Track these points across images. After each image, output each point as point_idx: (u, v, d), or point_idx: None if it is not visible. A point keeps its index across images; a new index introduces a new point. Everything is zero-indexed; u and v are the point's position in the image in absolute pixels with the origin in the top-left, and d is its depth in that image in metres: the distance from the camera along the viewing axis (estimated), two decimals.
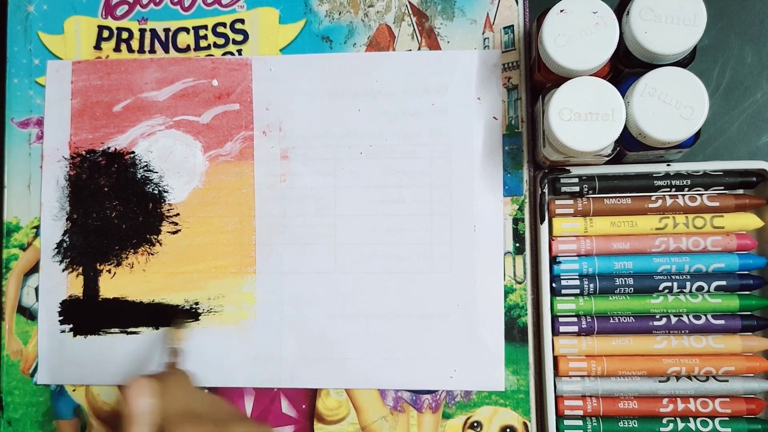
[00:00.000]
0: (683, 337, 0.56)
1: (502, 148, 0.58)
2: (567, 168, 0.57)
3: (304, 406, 0.59)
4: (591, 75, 0.51)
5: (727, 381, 0.56)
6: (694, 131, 0.49)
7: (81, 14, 0.62)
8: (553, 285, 0.57)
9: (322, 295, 0.59)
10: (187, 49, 0.61)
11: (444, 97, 0.59)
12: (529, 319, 0.58)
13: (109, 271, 0.60)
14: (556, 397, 0.56)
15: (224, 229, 0.60)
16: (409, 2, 0.60)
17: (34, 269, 0.61)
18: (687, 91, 0.49)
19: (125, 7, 0.62)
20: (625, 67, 0.52)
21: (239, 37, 0.61)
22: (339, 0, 0.60)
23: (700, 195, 0.57)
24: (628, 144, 0.52)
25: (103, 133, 0.61)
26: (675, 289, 0.56)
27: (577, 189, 0.57)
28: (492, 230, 0.58)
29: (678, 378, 0.56)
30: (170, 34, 0.61)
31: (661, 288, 0.56)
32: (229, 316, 0.59)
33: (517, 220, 0.58)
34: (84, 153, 0.61)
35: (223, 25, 0.61)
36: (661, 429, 0.55)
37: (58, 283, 0.61)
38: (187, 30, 0.61)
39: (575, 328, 0.57)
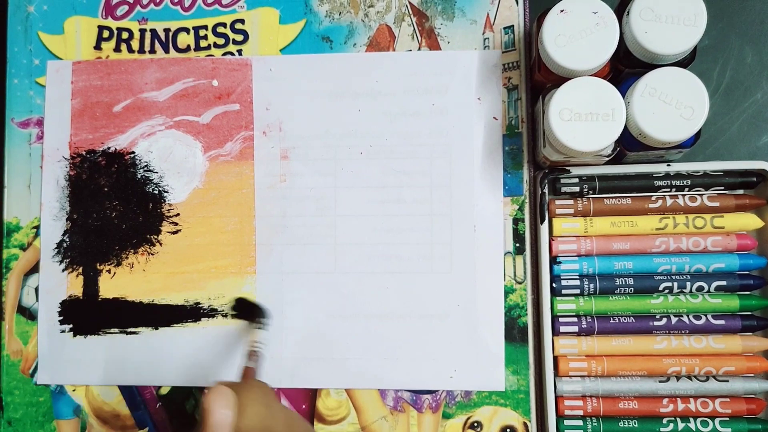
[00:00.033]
0: (683, 337, 0.56)
1: (503, 149, 0.58)
2: (567, 168, 0.57)
3: (304, 406, 0.59)
4: (591, 75, 0.51)
5: (727, 381, 0.56)
6: (695, 131, 0.49)
7: (81, 14, 0.62)
8: (554, 285, 0.57)
9: (322, 295, 0.59)
10: (188, 49, 0.61)
11: (444, 98, 0.59)
12: (529, 319, 0.58)
13: (109, 271, 0.60)
14: (557, 397, 0.56)
15: (224, 229, 0.60)
16: (410, 2, 0.60)
17: (34, 269, 0.61)
18: (687, 91, 0.49)
19: (125, 8, 0.62)
20: (626, 68, 0.52)
21: (239, 38, 0.61)
22: (339, 0, 0.60)
23: (701, 195, 0.57)
24: (629, 144, 0.52)
25: (103, 133, 0.61)
26: (675, 289, 0.56)
27: (577, 189, 0.57)
28: (492, 230, 0.58)
29: (678, 378, 0.56)
30: (170, 34, 0.61)
31: (661, 288, 0.56)
32: (230, 316, 0.59)
33: (517, 221, 0.58)
34: (84, 153, 0.61)
35: (224, 25, 0.61)
36: (662, 429, 0.55)
37: (58, 283, 0.61)
38: (187, 30, 0.61)
39: (575, 328, 0.57)
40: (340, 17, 0.60)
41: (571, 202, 0.57)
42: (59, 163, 0.61)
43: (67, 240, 0.61)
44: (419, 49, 0.59)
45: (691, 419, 0.56)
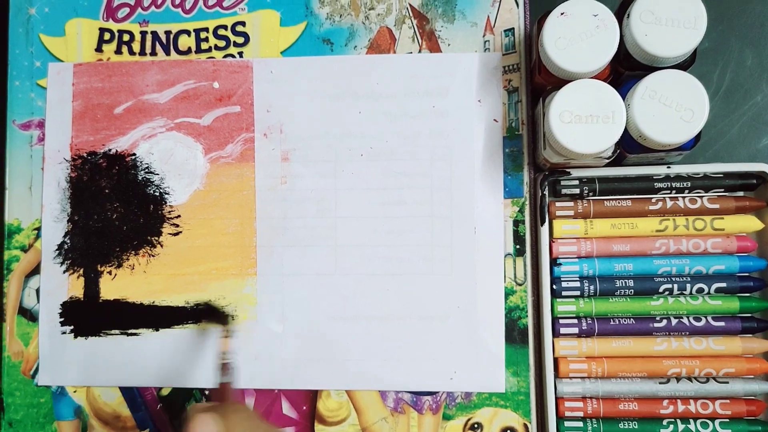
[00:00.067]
0: (683, 338, 0.56)
1: (503, 151, 0.58)
2: (567, 170, 0.57)
3: (304, 408, 0.59)
4: (591, 78, 0.51)
5: (727, 383, 0.56)
6: (695, 134, 0.49)
7: (82, 17, 0.62)
8: (554, 287, 0.57)
9: (323, 296, 0.59)
10: (188, 51, 0.61)
11: (444, 100, 0.59)
12: (529, 321, 0.58)
13: (109, 272, 0.61)
14: (557, 399, 0.57)
15: (225, 231, 0.60)
16: (410, 5, 0.60)
17: (35, 271, 0.61)
18: (687, 93, 0.49)
19: (126, 10, 0.62)
20: (626, 70, 0.52)
21: (240, 40, 0.61)
22: (340, 3, 0.60)
23: (701, 197, 0.57)
24: (629, 146, 0.52)
25: (104, 135, 0.61)
26: (675, 291, 0.56)
27: (577, 191, 0.57)
28: (492, 232, 0.58)
29: (678, 379, 0.56)
30: (171, 36, 0.61)
31: (661, 290, 0.56)
32: (230, 317, 0.59)
33: (517, 222, 0.58)
34: (85, 155, 0.61)
35: (224, 27, 0.61)
36: (662, 430, 0.56)
37: (59, 285, 0.61)
38: (188, 32, 0.61)
39: (575, 330, 0.57)
40: (340, 20, 0.60)
41: (571, 204, 0.57)
42: (60, 165, 0.61)
43: (68, 241, 0.61)
44: (420, 51, 0.60)
45: (691, 421, 0.56)
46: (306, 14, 0.61)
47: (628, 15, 0.50)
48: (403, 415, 0.58)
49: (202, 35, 0.61)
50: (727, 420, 0.56)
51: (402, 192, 0.59)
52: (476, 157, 0.59)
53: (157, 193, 0.60)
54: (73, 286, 0.61)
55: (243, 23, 0.61)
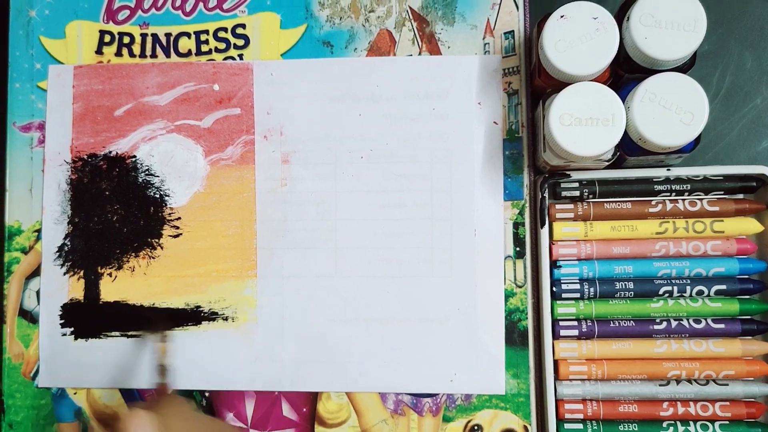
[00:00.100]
0: (683, 341, 0.56)
1: (503, 153, 0.59)
2: (567, 172, 0.57)
3: (305, 410, 0.59)
4: (591, 80, 0.51)
5: (727, 385, 0.56)
6: (694, 136, 0.49)
7: (83, 19, 0.62)
8: (554, 289, 0.57)
9: (323, 298, 0.59)
10: (189, 53, 0.61)
11: (444, 102, 0.59)
12: (529, 323, 0.58)
13: (110, 274, 0.61)
14: (557, 401, 0.57)
15: (225, 233, 0.60)
16: (410, 7, 0.60)
17: (36, 272, 0.61)
18: (687, 96, 0.49)
19: (127, 12, 0.62)
20: (626, 73, 0.52)
21: (240, 42, 0.61)
22: (340, 5, 0.60)
23: (700, 199, 0.57)
24: (629, 149, 0.52)
25: (104, 137, 0.61)
26: (675, 293, 0.56)
27: (577, 193, 0.57)
28: (492, 234, 0.58)
29: (678, 382, 0.56)
30: (171, 38, 0.61)
31: (661, 292, 0.56)
32: (230, 319, 0.60)
33: (517, 225, 0.58)
34: (85, 157, 0.61)
35: (225, 29, 0.61)
36: None
37: (60, 287, 0.61)
38: (188, 35, 0.61)
39: (575, 332, 0.57)
40: (340, 22, 0.60)
41: (571, 206, 0.57)
42: (61, 167, 0.61)
43: (69, 243, 0.61)
44: (420, 53, 0.60)
45: (691, 423, 0.56)
46: (306, 17, 0.61)
47: (628, 18, 0.50)
48: (403, 417, 0.58)
49: (203, 37, 0.61)
50: (727, 422, 0.56)
51: (402, 194, 0.59)
52: (476, 159, 0.59)
53: (158, 195, 0.61)
54: (74, 288, 0.61)
55: (243, 26, 0.61)
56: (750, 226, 0.56)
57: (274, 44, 0.61)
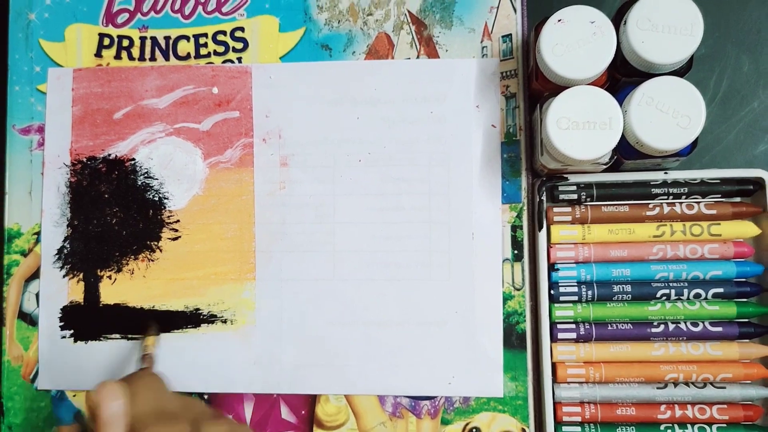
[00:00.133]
0: (681, 344, 0.56)
1: (501, 156, 0.59)
2: (565, 176, 0.57)
3: (303, 412, 0.59)
4: (588, 84, 0.51)
5: (724, 388, 0.56)
6: (691, 140, 0.49)
7: (82, 22, 0.62)
8: (552, 292, 0.57)
9: (321, 301, 0.59)
10: (188, 56, 0.61)
11: (443, 105, 0.59)
12: (527, 326, 0.58)
13: (109, 277, 0.61)
14: (555, 404, 0.57)
15: (224, 236, 0.60)
16: (408, 11, 0.60)
17: (35, 275, 0.61)
18: (684, 100, 0.50)
19: (126, 15, 0.62)
20: (623, 76, 0.52)
21: (239, 45, 0.61)
22: (338, 9, 0.60)
23: (698, 203, 0.57)
24: (626, 152, 0.52)
25: (103, 140, 0.61)
26: (672, 297, 0.57)
27: (575, 196, 0.57)
28: (490, 237, 0.58)
29: (676, 384, 0.56)
30: (170, 41, 0.62)
31: (658, 295, 0.57)
32: (229, 322, 0.60)
33: (515, 228, 0.58)
34: (85, 160, 0.61)
35: (224, 33, 0.61)
36: None
37: (59, 289, 0.61)
38: (187, 38, 0.61)
39: (573, 335, 0.57)
40: (339, 25, 0.60)
41: (569, 209, 0.57)
42: (60, 170, 0.61)
43: (68, 246, 0.61)
44: (418, 57, 0.60)
45: (689, 425, 0.56)
46: (305, 20, 0.61)
47: (625, 22, 0.50)
48: (401, 420, 0.59)
49: (202, 41, 0.61)
50: (725, 425, 0.56)
51: (400, 197, 0.59)
52: (474, 162, 0.59)
53: (157, 198, 0.61)
54: (73, 291, 0.61)
55: (242, 29, 0.61)
56: (747, 229, 0.56)
57: (273, 47, 0.61)
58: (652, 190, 0.57)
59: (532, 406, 0.58)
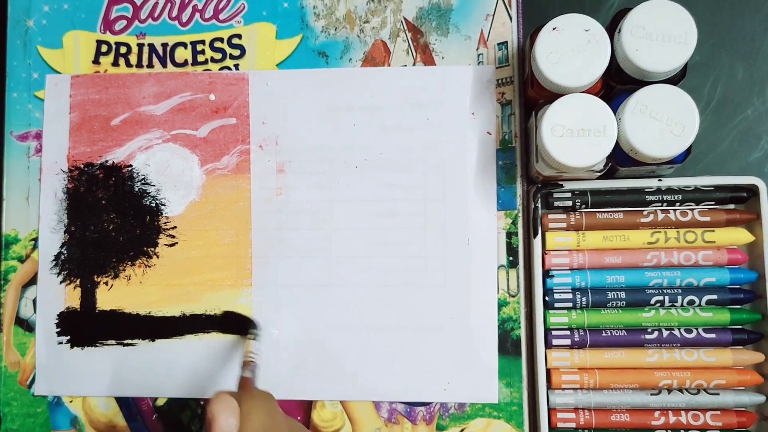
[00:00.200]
0: (675, 350, 0.56)
1: (496, 163, 0.59)
2: (560, 183, 0.57)
3: (299, 418, 0.59)
4: (583, 92, 0.51)
5: (718, 394, 0.56)
6: (685, 148, 0.50)
7: (80, 29, 0.62)
8: (546, 298, 0.57)
9: (318, 307, 0.59)
10: (185, 63, 0.62)
11: (438, 112, 0.59)
12: (522, 332, 0.58)
13: (106, 283, 0.61)
14: (549, 410, 0.57)
15: (221, 242, 0.60)
16: (405, 18, 0.60)
17: (32, 281, 0.62)
18: (678, 108, 0.50)
19: (123, 22, 0.62)
20: (617, 84, 0.53)
21: (236, 52, 0.61)
22: (335, 16, 0.61)
23: (692, 210, 0.57)
24: (620, 159, 0.53)
25: (101, 146, 0.62)
26: (666, 303, 0.57)
27: (569, 203, 0.57)
28: (485, 244, 0.59)
29: (669, 391, 0.56)
30: (168, 48, 0.62)
31: (652, 302, 0.57)
32: None
33: (510, 234, 0.59)
34: (82, 166, 0.62)
35: (221, 40, 0.61)
36: None
37: (56, 295, 0.61)
38: (184, 45, 0.62)
39: (568, 341, 0.57)
40: (335, 33, 0.61)
41: (563, 216, 0.58)
42: (57, 176, 0.62)
43: (65, 252, 0.61)
44: (414, 64, 0.60)
45: None
46: (301, 27, 0.61)
47: (619, 30, 0.50)
48: (396, 426, 0.59)
49: (199, 48, 0.62)
50: (718, 431, 0.56)
51: (396, 204, 0.59)
52: (469, 169, 0.59)
53: (153, 204, 0.61)
54: (70, 297, 0.61)
55: (239, 36, 0.61)
56: (741, 236, 0.56)
57: (270, 54, 0.61)
58: (647, 197, 0.57)
59: (527, 412, 0.58)
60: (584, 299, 0.57)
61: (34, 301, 0.61)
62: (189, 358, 0.60)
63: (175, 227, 0.61)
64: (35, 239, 0.62)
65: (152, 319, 0.60)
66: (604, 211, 0.58)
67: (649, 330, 0.57)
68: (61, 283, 0.61)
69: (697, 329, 0.56)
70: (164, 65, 0.62)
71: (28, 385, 0.61)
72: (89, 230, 0.61)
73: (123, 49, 0.62)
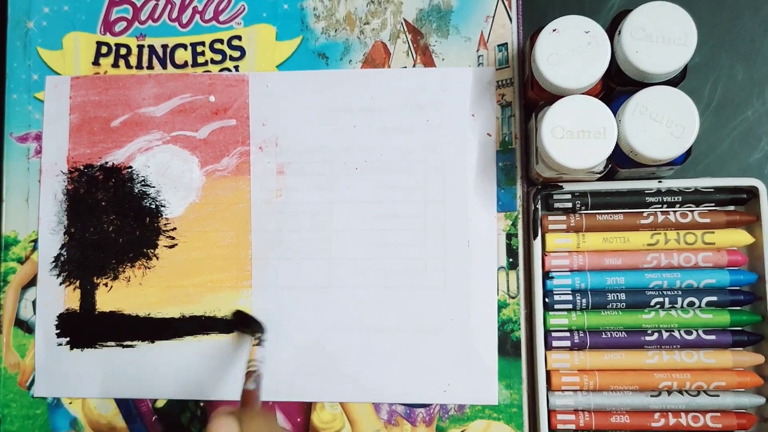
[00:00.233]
0: (675, 352, 0.56)
1: (496, 164, 0.59)
2: (560, 184, 0.57)
3: (299, 419, 0.59)
4: (583, 93, 0.51)
5: (718, 396, 0.56)
6: (685, 149, 0.50)
7: (80, 30, 0.62)
8: (546, 300, 0.57)
9: (318, 309, 0.59)
10: (185, 65, 0.62)
11: (438, 114, 0.59)
12: (522, 334, 0.58)
13: (105, 284, 0.61)
14: (549, 411, 0.57)
15: (220, 244, 0.60)
16: (405, 20, 0.60)
17: (32, 283, 0.62)
18: (678, 109, 0.50)
19: (124, 24, 0.62)
20: (617, 86, 0.53)
21: (236, 54, 0.61)
22: (335, 17, 0.61)
23: (692, 211, 0.57)
24: (620, 161, 0.53)
25: (100, 147, 0.62)
26: (666, 305, 0.57)
27: (569, 205, 0.57)
28: (485, 245, 0.59)
29: (669, 392, 0.56)
30: (168, 50, 0.62)
31: (652, 303, 0.57)
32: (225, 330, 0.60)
33: (510, 236, 0.59)
34: (82, 167, 0.61)
35: (221, 41, 0.61)
36: None
37: (56, 297, 0.61)
38: (184, 46, 0.62)
39: (568, 343, 0.57)
40: (335, 34, 0.61)
41: (563, 217, 0.58)
42: (57, 178, 0.62)
43: (65, 254, 0.61)
44: (414, 65, 0.60)
45: None
46: (301, 29, 0.61)
47: (619, 31, 0.50)
48: (396, 427, 0.59)
49: (199, 49, 0.62)
50: None
51: (396, 205, 0.59)
52: (470, 170, 0.59)
53: (153, 206, 0.61)
54: (70, 298, 0.61)
55: (239, 37, 0.61)
56: (741, 237, 0.56)
57: (270, 56, 0.61)
58: (647, 198, 0.57)
59: (527, 413, 0.58)
60: (584, 301, 0.57)
61: (34, 303, 0.61)
62: (189, 359, 0.60)
63: (174, 229, 0.61)
64: (35, 241, 0.62)
65: (152, 321, 0.60)
66: (604, 213, 0.58)
67: (649, 331, 0.57)
68: (60, 284, 0.61)
69: (697, 331, 0.56)
70: (164, 67, 0.62)
71: (27, 386, 0.61)
72: (89, 232, 0.61)
73: (123, 51, 0.62)
